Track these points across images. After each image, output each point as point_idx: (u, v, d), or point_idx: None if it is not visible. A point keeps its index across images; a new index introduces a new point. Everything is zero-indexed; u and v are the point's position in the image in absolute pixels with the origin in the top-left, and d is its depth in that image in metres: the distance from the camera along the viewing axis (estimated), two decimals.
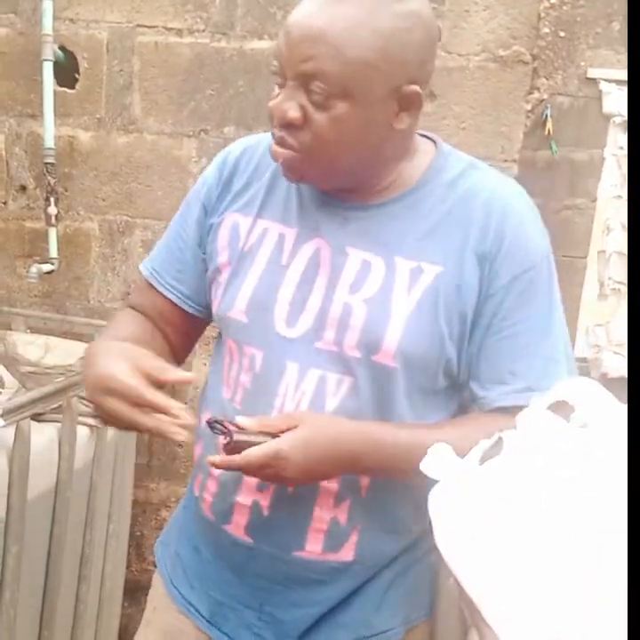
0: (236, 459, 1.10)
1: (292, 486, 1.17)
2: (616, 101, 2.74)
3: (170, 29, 2.63)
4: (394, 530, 1.25)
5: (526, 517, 0.82)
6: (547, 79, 2.71)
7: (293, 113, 1.11)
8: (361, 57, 1.07)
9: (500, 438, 0.98)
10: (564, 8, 2.68)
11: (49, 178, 2.69)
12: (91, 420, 2.09)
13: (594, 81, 2.75)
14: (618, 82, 2.71)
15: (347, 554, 1.23)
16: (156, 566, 1.43)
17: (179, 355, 1.43)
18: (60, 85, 2.69)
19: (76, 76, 2.70)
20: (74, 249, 2.81)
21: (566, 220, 2.78)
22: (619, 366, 2.77)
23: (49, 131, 2.65)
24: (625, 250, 2.75)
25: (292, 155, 1.15)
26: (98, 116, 2.72)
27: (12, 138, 2.77)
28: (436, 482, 0.93)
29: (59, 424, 1.96)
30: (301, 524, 1.22)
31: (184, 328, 1.39)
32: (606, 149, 2.78)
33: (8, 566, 1.78)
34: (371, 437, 1.15)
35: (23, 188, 2.81)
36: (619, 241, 2.79)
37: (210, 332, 1.45)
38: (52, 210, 2.71)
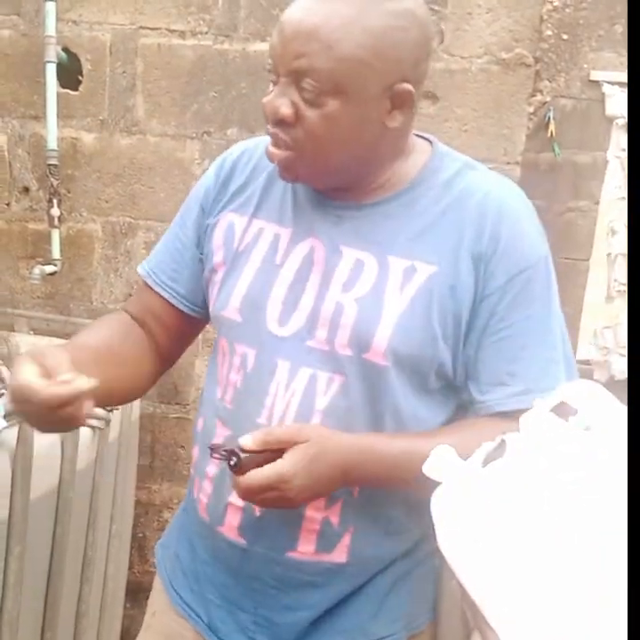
0: (240, 483, 1.09)
1: (293, 508, 1.16)
2: (619, 104, 2.74)
3: (173, 31, 2.64)
4: (388, 531, 1.25)
5: (529, 520, 0.82)
6: (549, 82, 2.71)
7: (285, 109, 1.11)
8: (352, 54, 1.08)
9: (503, 441, 0.98)
10: (567, 10, 2.68)
11: (52, 179, 2.69)
12: (93, 422, 2.09)
13: (597, 83, 2.75)
14: (621, 84, 2.71)
15: (340, 555, 1.22)
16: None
17: (169, 356, 1.43)
18: (63, 87, 2.70)
19: (79, 77, 2.70)
20: (77, 250, 2.81)
21: (569, 222, 2.79)
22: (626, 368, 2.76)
23: (52, 132, 2.65)
24: None
25: (286, 155, 1.15)
26: (101, 117, 2.72)
27: (15, 139, 2.77)
28: (439, 484, 0.93)
29: None
30: (293, 524, 1.21)
31: (178, 328, 1.39)
32: (609, 151, 2.78)
33: (10, 567, 1.78)
34: (370, 451, 1.14)
35: (26, 189, 2.81)
36: (624, 243, 2.79)
37: (213, 334, 1.45)
38: (55, 211, 2.71)
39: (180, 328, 1.39)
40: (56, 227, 2.73)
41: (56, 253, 2.75)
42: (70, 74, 2.69)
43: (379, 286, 1.18)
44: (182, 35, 2.63)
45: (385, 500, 1.22)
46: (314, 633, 1.26)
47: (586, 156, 2.79)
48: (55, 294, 2.85)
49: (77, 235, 2.81)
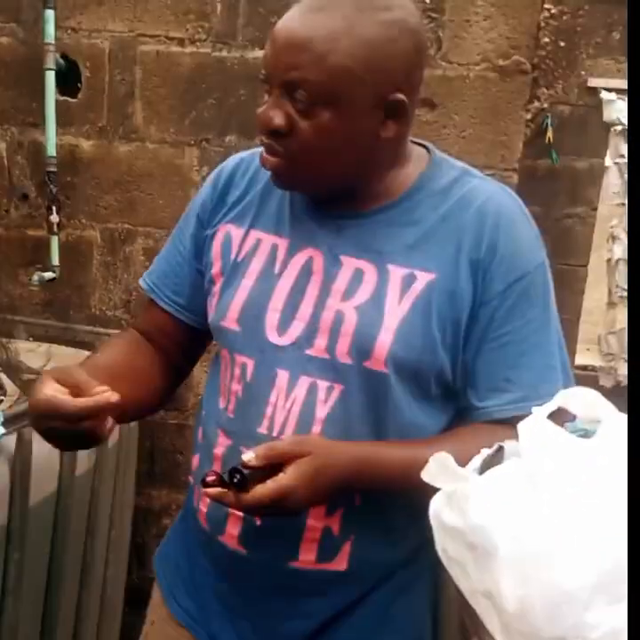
0: (244, 500, 1.07)
1: (293, 517, 1.16)
2: (616, 110, 2.75)
3: (172, 39, 2.64)
4: (389, 539, 1.24)
5: (527, 526, 0.83)
6: (547, 88, 2.73)
7: (278, 120, 1.12)
8: (344, 65, 1.08)
9: (501, 447, 0.99)
10: (564, 18, 2.69)
11: (51, 186, 2.69)
12: None
13: (594, 90, 2.76)
14: (618, 91, 2.72)
15: (341, 563, 1.22)
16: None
17: (181, 369, 1.44)
18: (62, 94, 2.70)
19: (78, 85, 2.70)
20: (75, 257, 2.81)
21: (567, 228, 2.79)
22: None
23: (51, 139, 2.65)
24: None
25: (279, 162, 1.15)
26: (100, 124, 2.72)
27: (14, 146, 2.78)
28: (438, 490, 0.94)
29: None
30: (293, 533, 1.21)
31: (186, 342, 1.39)
32: (607, 158, 2.79)
33: (10, 573, 1.78)
34: (369, 462, 1.14)
35: (25, 196, 2.81)
36: (624, 249, 2.80)
37: (213, 342, 1.45)
38: (54, 218, 2.71)
39: (187, 341, 1.39)
40: (55, 233, 2.73)
41: (55, 260, 2.75)
42: (69, 81, 2.70)
43: (378, 294, 1.18)
44: (181, 42, 2.64)
45: (385, 508, 1.22)
46: None
47: (583, 162, 2.80)
48: (54, 301, 2.85)
49: (76, 241, 2.81)
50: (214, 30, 2.61)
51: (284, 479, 1.07)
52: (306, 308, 1.20)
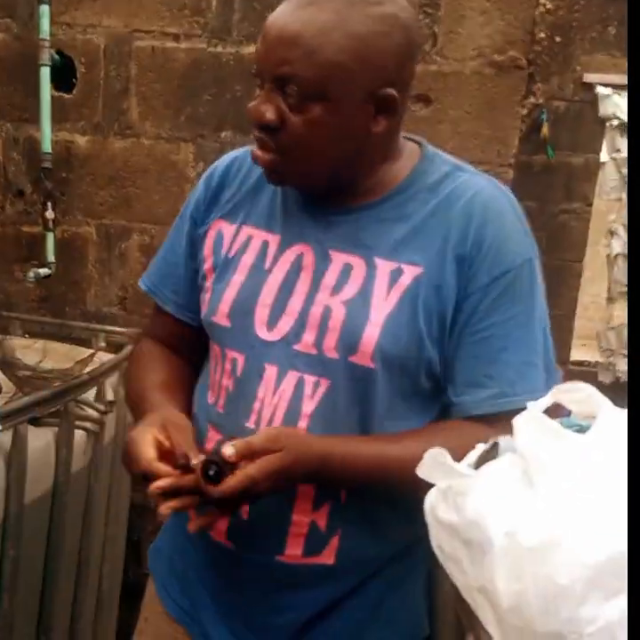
0: (214, 492, 1.08)
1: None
2: (612, 105, 2.75)
3: (167, 34, 2.64)
4: (376, 533, 1.24)
5: (522, 521, 0.83)
6: (542, 84, 2.73)
7: (269, 115, 1.12)
8: (334, 60, 1.08)
9: (496, 442, 0.99)
10: (560, 13, 2.69)
11: (46, 182, 2.69)
12: (88, 425, 2.09)
13: (590, 85, 2.76)
14: (614, 86, 2.72)
15: (328, 557, 1.22)
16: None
17: (199, 367, 1.43)
18: (57, 90, 2.70)
19: (74, 80, 2.71)
20: (71, 253, 2.81)
21: (562, 223, 2.79)
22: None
23: (46, 135, 2.65)
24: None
25: (271, 157, 1.16)
26: (95, 120, 2.72)
27: (9, 142, 2.77)
28: (432, 486, 0.93)
29: (56, 428, 1.96)
30: (280, 528, 1.21)
31: (198, 341, 1.37)
32: (603, 153, 2.79)
33: (5, 570, 1.78)
34: (341, 459, 1.14)
35: (20, 192, 2.81)
36: (624, 244, 2.80)
37: None
38: (50, 214, 2.71)
39: (196, 342, 1.37)
40: (50, 230, 2.73)
41: (50, 256, 2.75)
42: (64, 77, 2.70)
43: (366, 289, 1.18)
44: (176, 38, 2.64)
45: (372, 503, 1.22)
46: (306, 637, 1.26)
47: (579, 157, 2.80)
48: (49, 297, 2.85)
49: (72, 238, 2.80)
50: (209, 26, 2.61)
51: (251, 469, 1.07)
52: (295, 304, 1.21)
